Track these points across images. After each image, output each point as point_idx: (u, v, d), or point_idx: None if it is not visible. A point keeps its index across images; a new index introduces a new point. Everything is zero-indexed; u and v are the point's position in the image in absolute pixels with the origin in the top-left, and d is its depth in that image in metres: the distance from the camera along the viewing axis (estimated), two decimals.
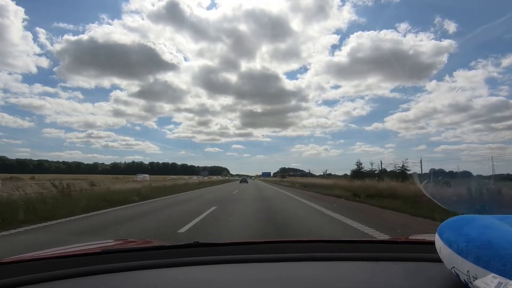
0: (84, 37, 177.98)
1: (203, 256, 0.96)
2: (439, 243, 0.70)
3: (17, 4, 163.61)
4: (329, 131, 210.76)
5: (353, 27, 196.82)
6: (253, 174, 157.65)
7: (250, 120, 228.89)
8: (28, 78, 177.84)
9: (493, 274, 0.53)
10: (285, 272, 0.86)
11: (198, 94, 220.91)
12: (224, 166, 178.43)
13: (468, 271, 0.59)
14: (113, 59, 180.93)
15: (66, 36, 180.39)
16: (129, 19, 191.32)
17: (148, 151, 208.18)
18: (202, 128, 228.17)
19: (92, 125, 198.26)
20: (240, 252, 1.02)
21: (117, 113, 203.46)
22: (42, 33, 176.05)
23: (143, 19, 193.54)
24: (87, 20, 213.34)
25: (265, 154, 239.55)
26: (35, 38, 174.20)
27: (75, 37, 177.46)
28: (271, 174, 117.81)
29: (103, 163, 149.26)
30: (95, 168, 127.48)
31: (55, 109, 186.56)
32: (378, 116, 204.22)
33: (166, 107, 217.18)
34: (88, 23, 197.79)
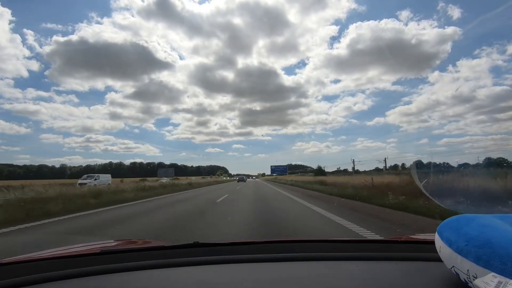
0: (74, 37, 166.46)
1: (203, 256, 0.96)
2: (439, 243, 0.70)
3: (2, 5, 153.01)
4: (330, 127, 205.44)
5: (352, 17, 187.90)
6: (255, 173, 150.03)
7: (250, 118, 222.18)
8: (20, 83, 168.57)
9: (493, 273, 0.53)
10: (285, 272, 0.86)
11: (195, 94, 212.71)
12: (223, 166, 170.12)
13: (468, 270, 0.59)
14: (105, 60, 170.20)
15: (55, 37, 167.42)
16: (119, 16, 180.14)
17: (149, 154, 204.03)
18: (201, 128, 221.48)
19: (90, 129, 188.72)
20: (240, 252, 1.02)
21: (114, 116, 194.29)
22: (30, 35, 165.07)
23: (133, 16, 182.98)
24: (75, 19, 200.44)
25: (266, 153, 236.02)
26: (24, 41, 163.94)
27: (65, 38, 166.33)
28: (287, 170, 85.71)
29: (80, 166, 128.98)
30: (62, 172, 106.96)
31: (51, 114, 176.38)
32: (380, 110, 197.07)
33: (163, 108, 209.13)
34: (77, 22, 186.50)
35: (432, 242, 0.77)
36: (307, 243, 1.12)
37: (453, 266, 0.64)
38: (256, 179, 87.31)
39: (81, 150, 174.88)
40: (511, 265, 0.51)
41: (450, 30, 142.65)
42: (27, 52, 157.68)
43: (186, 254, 0.97)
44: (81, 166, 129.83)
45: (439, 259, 0.71)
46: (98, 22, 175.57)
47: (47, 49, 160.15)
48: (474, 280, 0.56)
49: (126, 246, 1.22)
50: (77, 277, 0.81)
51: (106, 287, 0.78)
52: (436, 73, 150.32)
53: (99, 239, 1.53)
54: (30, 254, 1.00)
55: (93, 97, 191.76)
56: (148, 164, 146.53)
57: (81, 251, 1.03)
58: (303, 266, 0.90)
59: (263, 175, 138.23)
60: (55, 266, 0.86)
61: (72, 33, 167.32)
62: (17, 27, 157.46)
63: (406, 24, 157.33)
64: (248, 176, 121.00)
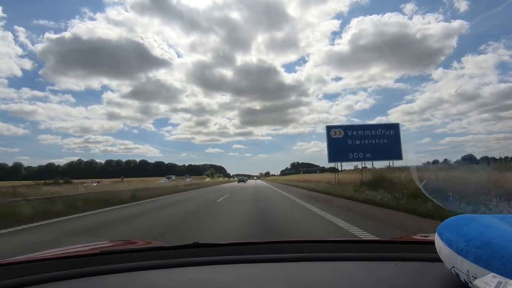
0: (67, 34, 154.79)
1: (203, 256, 0.96)
2: (439, 243, 0.70)
3: None
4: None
5: (354, 11, 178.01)
6: (256, 173, 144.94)
7: (250, 118, 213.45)
8: (15, 82, 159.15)
9: (492, 274, 0.53)
10: (285, 272, 0.86)
11: (193, 93, 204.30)
12: (221, 166, 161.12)
13: (468, 270, 0.59)
14: (100, 57, 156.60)
15: (47, 34, 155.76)
16: (113, 12, 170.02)
17: (149, 154, 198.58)
18: (201, 128, 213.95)
19: (88, 129, 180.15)
20: (240, 252, 1.02)
21: (112, 116, 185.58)
22: (21, 32, 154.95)
23: (127, 11, 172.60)
24: (67, 15, 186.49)
25: (267, 153, 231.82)
26: (16, 38, 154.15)
27: (57, 35, 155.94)
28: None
29: (39, 165, 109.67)
30: (14, 172, 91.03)
31: (48, 114, 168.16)
32: (382, 109, 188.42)
33: (161, 107, 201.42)
34: (70, 18, 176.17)
35: (432, 242, 0.77)
36: (307, 244, 1.12)
37: (453, 267, 0.64)
38: (257, 180, 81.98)
39: (80, 151, 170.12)
40: (511, 266, 0.51)
41: (456, 24, 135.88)
42: (19, 50, 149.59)
43: (186, 255, 0.97)
44: (40, 165, 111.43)
45: (439, 260, 0.71)
46: (91, 18, 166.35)
47: (39, 46, 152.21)
48: (474, 280, 0.56)
49: (126, 246, 1.22)
50: (77, 278, 0.81)
51: None
52: (440, 70, 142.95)
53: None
54: (30, 254, 1.00)
55: (90, 97, 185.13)
56: (129, 162, 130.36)
57: (81, 252, 1.03)
58: (303, 267, 0.90)
59: (267, 174, 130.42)
60: (55, 267, 0.86)
61: (65, 29, 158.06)
62: (8, 24, 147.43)
63: (411, 18, 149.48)
64: (249, 176, 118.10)
